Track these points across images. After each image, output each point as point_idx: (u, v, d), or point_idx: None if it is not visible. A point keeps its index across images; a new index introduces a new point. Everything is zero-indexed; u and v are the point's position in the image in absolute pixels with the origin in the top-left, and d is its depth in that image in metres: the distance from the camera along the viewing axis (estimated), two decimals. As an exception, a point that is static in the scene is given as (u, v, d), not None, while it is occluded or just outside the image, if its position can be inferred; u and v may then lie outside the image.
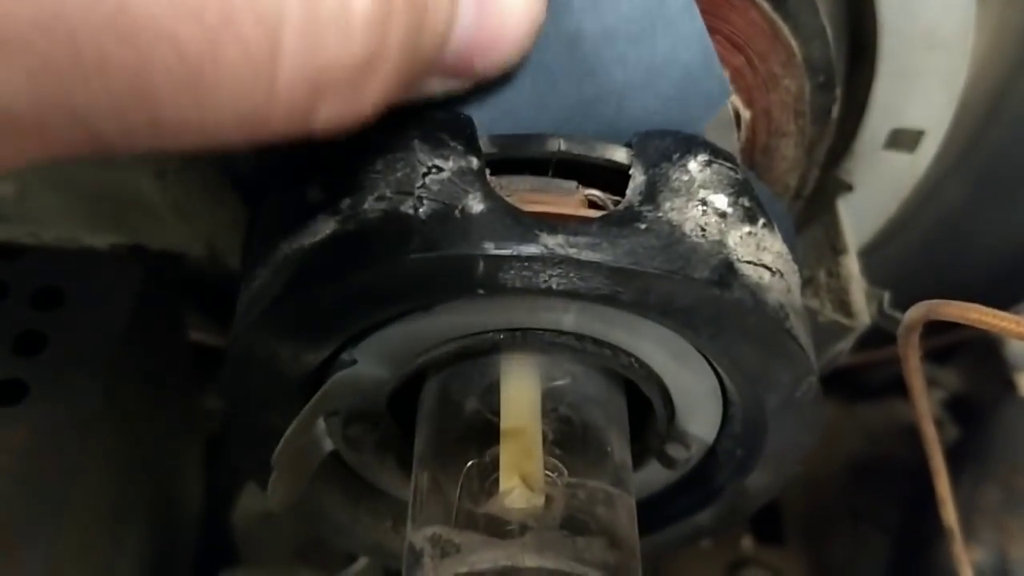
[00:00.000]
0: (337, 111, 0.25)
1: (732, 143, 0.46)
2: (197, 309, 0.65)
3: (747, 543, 0.98)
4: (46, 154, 0.22)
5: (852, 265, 0.53)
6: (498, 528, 0.33)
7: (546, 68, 0.34)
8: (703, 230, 0.33)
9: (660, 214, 0.33)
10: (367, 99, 0.26)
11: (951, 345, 0.98)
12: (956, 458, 0.73)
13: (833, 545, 0.97)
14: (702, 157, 0.35)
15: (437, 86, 0.31)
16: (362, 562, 0.52)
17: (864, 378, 1.01)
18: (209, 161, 0.48)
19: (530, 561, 0.32)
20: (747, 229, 0.34)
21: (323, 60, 0.23)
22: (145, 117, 0.22)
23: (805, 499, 0.98)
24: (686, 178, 0.34)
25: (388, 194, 0.32)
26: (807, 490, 0.97)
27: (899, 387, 0.47)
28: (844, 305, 0.52)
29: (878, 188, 0.56)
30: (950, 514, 0.51)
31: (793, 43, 0.46)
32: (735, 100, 0.46)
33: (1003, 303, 0.78)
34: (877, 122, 0.53)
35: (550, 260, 0.31)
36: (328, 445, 0.40)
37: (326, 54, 0.23)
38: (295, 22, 0.22)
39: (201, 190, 0.51)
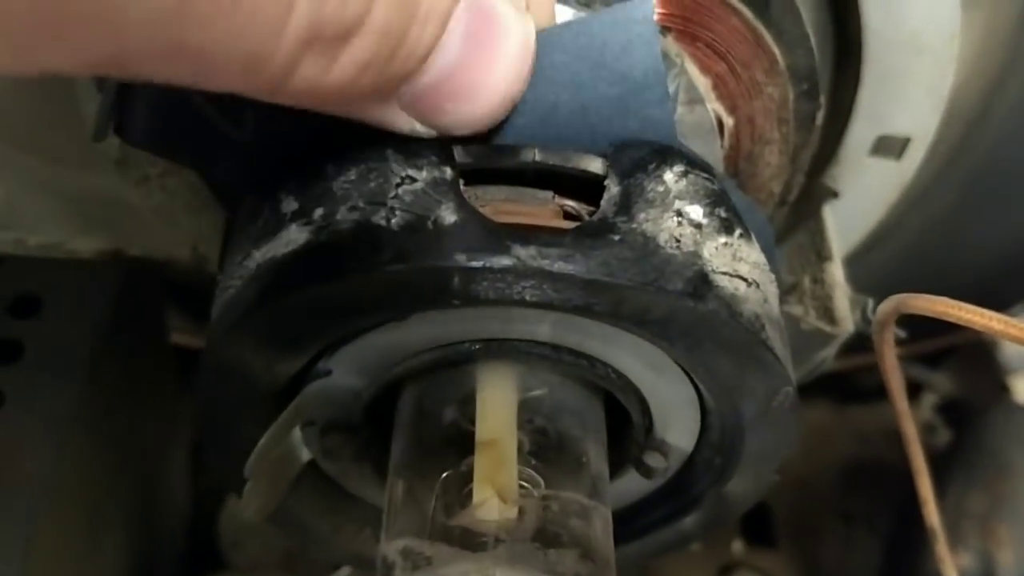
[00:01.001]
0: (312, 74, 0.26)
1: (715, 150, 0.45)
2: (182, 312, 0.65)
3: (738, 546, 0.98)
4: (68, 64, 0.22)
5: (837, 272, 0.53)
6: (470, 540, 0.33)
7: (518, 131, 0.34)
8: (678, 241, 0.33)
9: (634, 225, 0.33)
10: (338, 72, 0.26)
11: (944, 349, 0.98)
12: (945, 462, 0.73)
13: (824, 548, 0.97)
14: (678, 168, 0.35)
15: (403, 122, 0.31)
16: (345, 570, 0.52)
17: (855, 381, 1.01)
18: (191, 168, 0.48)
19: (502, 573, 0.32)
20: (723, 240, 0.34)
21: (324, 13, 0.24)
22: (173, 38, 0.22)
23: (796, 502, 0.98)
24: (661, 189, 0.34)
25: (361, 204, 0.32)
26: (798, 493, 0.97)
27: (882, 376, 0.46)
28: (828, 312, 0.52)
29: (864, 195, 0.56)
30: (932, 514, 0.51)
31: (776, 50, 0.45)
32: (718, 108, 0.46)
33: (991, 308, 0.78)
34: (862, 129, 0.53)
35: (522, 272, 0.31)
36: (305, 455, 0.40)
37: (328, 7, 0.24)
38: None
39: (184, 196, 0.51)
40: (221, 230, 0.52)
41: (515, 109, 0.34)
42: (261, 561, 0.65)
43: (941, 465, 0.64)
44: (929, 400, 1.04)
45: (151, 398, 0.56)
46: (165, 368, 0.59)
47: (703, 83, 0.45)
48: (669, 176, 0.34)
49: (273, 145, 0.37)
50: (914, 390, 1.02)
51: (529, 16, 0.31)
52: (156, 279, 0.54)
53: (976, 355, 0.97)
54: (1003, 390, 0.98)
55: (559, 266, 0.31)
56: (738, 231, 0.35)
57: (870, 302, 0.54)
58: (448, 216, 0.32)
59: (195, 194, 0.51)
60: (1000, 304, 0.76)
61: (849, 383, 1.03)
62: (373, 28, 0.26)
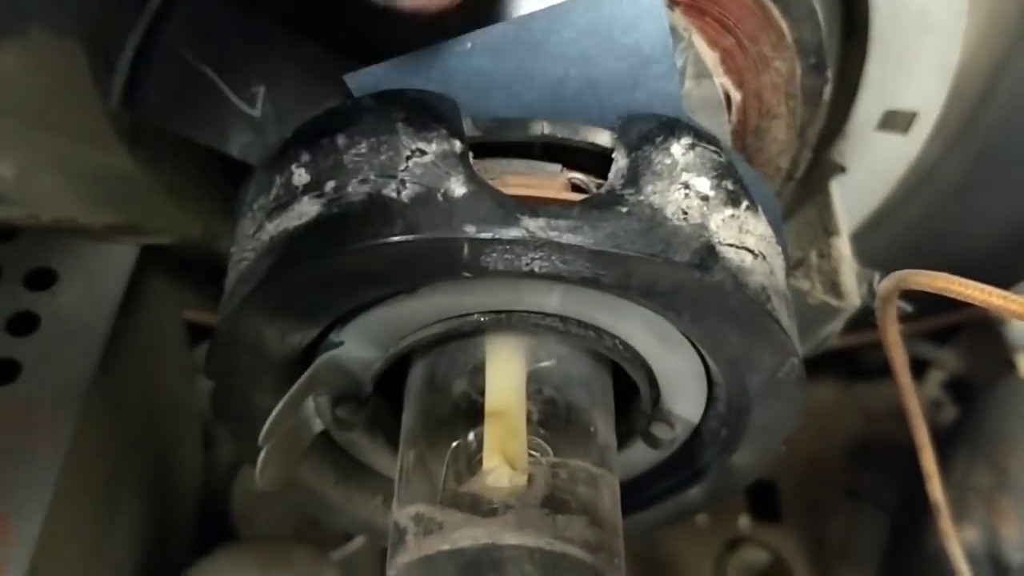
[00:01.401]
0: None
1: (723, 125, 0.46)
2: (194, 289, 0.66)
3: (744, 521, 0.98)
4: None
5: (844, 247, 0.53)
6: (481, 507, 0.33)
7: (528, 106, 0.35)
8: (685, 213, 0.33)
9: (642, 197, 0.33)
10: None
11: (951, 326, 0.98)
12: (951, 438, 0.73)
13: (830, 523, 0.98)
14: (685, 140, 0.35)
15: None
16: (358, 541, 0.52)
17: (862, 359, 1.01)
18: (204, 144, 0.49)
19: (511, 539, 0.32)
20: (730, 212, 0.34)
21: None
22: None
23: (802, 478, 0.98)
24: (669, 161, 0.34)
25: (372, 177, 0.33)
26: (804, 469, 0.98)
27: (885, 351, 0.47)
28: (834, 286, 0.52)
29: (871, 170, 0.56)
30: (936, 488, 0.52)
31: (783, 24, 0.46)
32: (725, 82, 0.46)
33: (999, 285, 0.78)
34: (869, 103, 0.53)
35: (531, 243, 0.31)
36: (318, 425, 0.40)
37: None
38: None
39: (195, 174, 0.51)
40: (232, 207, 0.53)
41: (525, 83, 0.34)
42: (273, 531, 0.66)
43: (947, 441, 0.64)
44: (936, 377, 1.05)
45: (164, 372, 0.56)
46: (178, 343, 0.60)
47: (711, 57, 0.45)
48: (676, 148, 0.35)
49: (285, 120, 0.38)
50: (921, 367, 1.03)
51: None
52: (169, 256, 0.55)
53: (983, 332, 0.97)
54: (1009, 367, 0.99)
55: (568, 237, 0.31)
56: (745, 203, 0.35)
57: (876, 276, 0.54)
58: (458, 188, 0.32)
59: (206, 172, 0.51)
60: (1008, 280, 0.76)
61: (855, 361, 1.04)
62: None
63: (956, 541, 0.49)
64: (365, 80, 0.35)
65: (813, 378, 0.36)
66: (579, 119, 0.35)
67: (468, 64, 0.35)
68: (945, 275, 0.34)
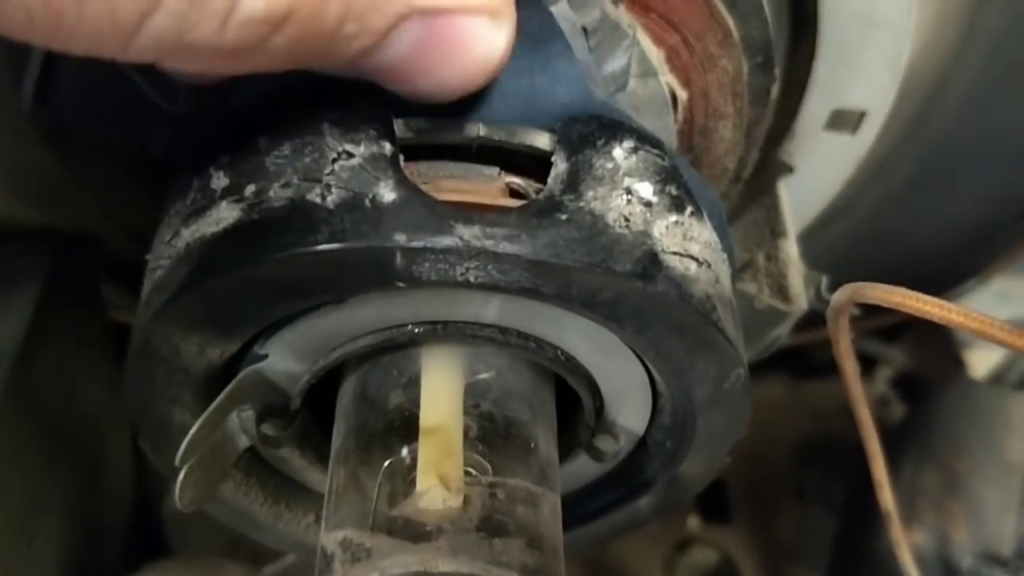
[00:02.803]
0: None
1: (668, 125, 0.44)
2: (121, 289, 0.63)
3: (693, 522, 0.98)
4: None
5: (791, 249, 0.52)
6: (413, 531, 0.32)
7: None
8: (627, 220, 0.32)
9: (582, 204, 0.31)
10: (247, 64, 0.27)
11: (900, 323, 0.99)
12: (900, 439, 0.73)
13: (779, 523, 0.97)
14: (628, 143, 0.33)
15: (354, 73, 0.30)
16: (290, 558, 0.50)
17: (809, 357, 1.01)
18: (123, 145, 0.46)
19: (444, 565, 0.30)
20: (673, 218, 0.33)
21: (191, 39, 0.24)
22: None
23: (751, 478, 0.98)
24: (610, 165, 0.33)
25: (295, 181, 0.31)
26: (753, 469, 0.97)
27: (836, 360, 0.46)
28: (782, 290, 0.51)
29: (819, 170, 0.55)
30: (887, 498, 0.51)
31: (730, 21, 0.44)
32: (671, 80, 0.45)
33: (946, 285, 0.78)
34: (818, 103, 0.52)
35: (466, 252, 0.30)
36: (243, 442, 0.38)
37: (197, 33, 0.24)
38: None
39: (118, 172, 0.49)
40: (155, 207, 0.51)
41: None
42: (206, 547, 0.63)
43: (895, 441, 0.64)
44: (883, 374, 1.05)
45: (88, 380, 0.54)
46: (102, 348, 0.57)
47: (656, 55, 0.44)
48: (618, 152, 0.33)
49: (207, 119, 0.35)
50: (868, 364, 1.03)
51: (506, 22, 0.30)
52: (91, 255, 0.52)
53: (930, 329, 0.97)
54: (957, 364, 0.99)
55: (504, 247, 0.30)
56: (689, 209, 0.34)
57: (824, 279, 0.54)
58: (387, 194, 0.30)
59: (128, 171, 0.49)
60: (954, 279, 0.76)
61: (803, 359, 1.04)
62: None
63: (906, 548, 0.48)
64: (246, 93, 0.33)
65: (761, 377, 0.35)
66: (489, 115, 0.34)
67: None
68: (901, 290, 0.33)
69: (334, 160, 0.31)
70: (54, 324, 0.46)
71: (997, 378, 0.94)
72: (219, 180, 0.32)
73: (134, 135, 0.40)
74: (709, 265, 0.34)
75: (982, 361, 0.97)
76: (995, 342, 0.27)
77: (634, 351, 0.36)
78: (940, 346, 1.01)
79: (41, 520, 0.46)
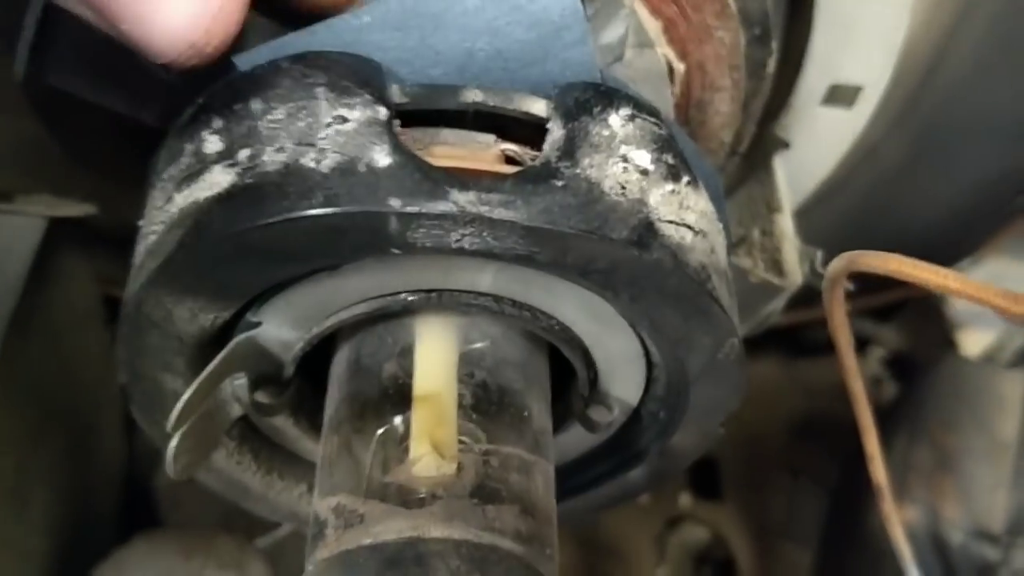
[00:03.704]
0: None
1: (665, 97, 0.44)
2: (114, 262, 0.63)
3: (685, 499, 0.98)
4: None
5: (786, 224, 0.52)
6: (406, 497, 0.32)
7: (435, 82, 0.33)
8: (623, 188, 0.31)
9: (578, 171, 0.31)
10: None
11: (893, 303, 0.99)
12: (892, 416, 0.73)
13: (771, 501, 0.98)
14: (624, 111, 0.33)
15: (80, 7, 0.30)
16: (287, 527, 0.50)
17: (803, 336, 1.01)
18: (117, 111, 0.46)
19: (436, 531, 0.30)
20: (670, 187, 0.33)
21: None
22: None
23: (743, 455, 0.98)
24: (607, 133, 0.32)
25: (289, 145, 0.30)
26: (745, 447, 0.98)
27: (830, 332, 0.46)
28: (776, 264, 0.51)
29: (815, 145, 0.55)
30: (879, 471, 0.51)
31: (728, -8, 0.44)
32: (668, 52, 0.45)
33: (940, 263, 0.78)
34: (814, 77, 0.52)
35: (461, 218, 0.29)
36: (236, 410, 0.38)
37: None
38: None
39: (109, 144, 0.48)
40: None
41: (429, 58, 0.32)
42: (199, 520, 0.63)
43: (887, 418, 0.64)
44: (876, 353, 1.05)
45: (79, 351, 0.53)
46: (95, 320, 0.57)
47: (653, 26, 0.44)
48: (615, 120, 0.33)
49: (202, 86, 0.35)
50: (861, 344, 1.03)
51: None
52: (82, 228, 0.52)
53: (924, 309, 0.98)
54: (949, 344, 1.00)
55: (499, 212, 0.29)
56: (685, 178, 0.34)
57: (819, 254, 0.54)
58: (382, 159, 0.30)
59: (121, 142, 0.48)
60: (948, 257, 0.76)
61: (797, 338, 1.04)
62: None
63: (897, 522, 0.48)
64: (256, 60, 0.33)
65: (754, 356, 0.35)
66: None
67: (367, 40, 0.33)
68: (898, 256, 0.33)
69: (328, 124, 0.31)
70: (46, 296, 0.46)
71: (988, 358, 0.94)
72: (212, 144, 0.32)
73: (129, 102, 0.40)
74: (705, 235, 0.34)
75: (974, 342, 0.97)
76: (992, 308, 0.27)
77: (628, 321, 0.36)
78: (932, 326, 1.01)
79: (32, 488, 0.46)
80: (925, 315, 1.00)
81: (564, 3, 0.32)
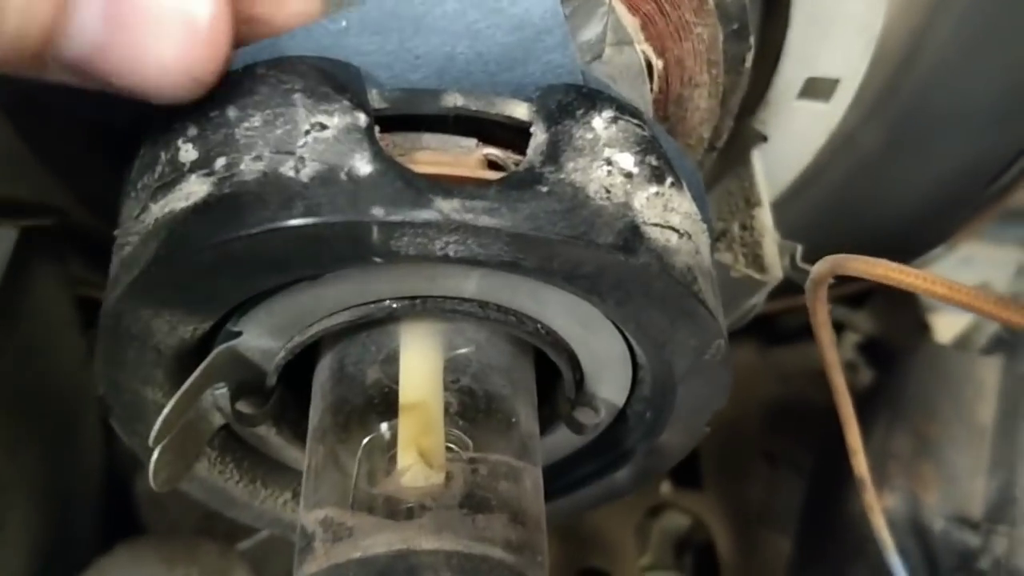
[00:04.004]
0: None
1: (644, 94, 0.44)
2: (88, 265, 0.62)
3: (665, 488, 0.99)
4: None
5: (766, 218, 0.52)
6: (395, 509, 0.31)
7: (412, 86, 0.33)
8: (608, 192, 0.31)
9: (563, 175, 0.31)
10: None
11: (866, 289, 0.99)
12: (869, 403, 0.74)
13: (750, 488, 0.98)
14: (607, 113, 0.33)
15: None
16: (265, 532, 0.50)
17: (778, 322, 1.02)
18: (87, 117, 0.45)
19: (427, 543, 0.30)
20: (654, 189, 0.33)
21: None
22: None
23: (722, 443, 0.99)
24: (590, 136, 0.32)
25: (267, 153, 0.30)
26: (723, 434, 0.98)
27: (813, 330, 0.46)
28: (757, 259, 0.51)
29: (793, 138, 0.55)
30: (861, 464, 0.52)
31: (705, -12, 0.44)
32: (647, 49, 0.44)
33: (916, 251, 0.79)
34: (791, 71, 0.52)
35: (445, 226, 0.29)
36: (217, 419, 0.38)
37: None
38: None
39: (81, 148, 0.47)
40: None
41: (409, 62, 0.32)
42: (181, 523, 0.62)
43: (864, 405, 0.64)
44: (850, 339, 1.06)
45: (56, 357, 0.53)
46: (70, 324, 0.56)
47: (631, 23, 0.43)
48: (598, 122, 0.33)
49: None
50: (835, 330, 1.04)
51: None
52: (57, 230, 0.51)
53: (896, 295, 0.98)
54: (923, 328, 1.01)
55: (484, 220, 0.29)
56: (669, 180, 0.34)
57: (799, 249, 0.54)
58: (363, 166, 0.29)
59: (92, 145, 0.47)
60: (924, 245, 0.77)
61: (772, 324, 1.04)
62: None
63: (880, 514, 0.49)
64: (233, 64, 0.32)
65: (730, 343, 0.35)
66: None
67: (345, 44, 0.32)
68: (884, 262, 0.33)
69: (307, 132, 0.30)
70: (22, 301, 0.45)
71: (962, 342, 0.95)
72: (187, 153, 0.31)
73: (100, 108, 0.39)
74: (689, 236, 0.34)
75: (948, 326, 0.98)
76: (987, 316, 0.27)
77: (614, 323, 0.35)
78: (906, 311, 1.02)
79: (11, 501, 0.46)
80: (898, 301, 1.01)
81: (544, 6, 0.32)
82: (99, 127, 0.46)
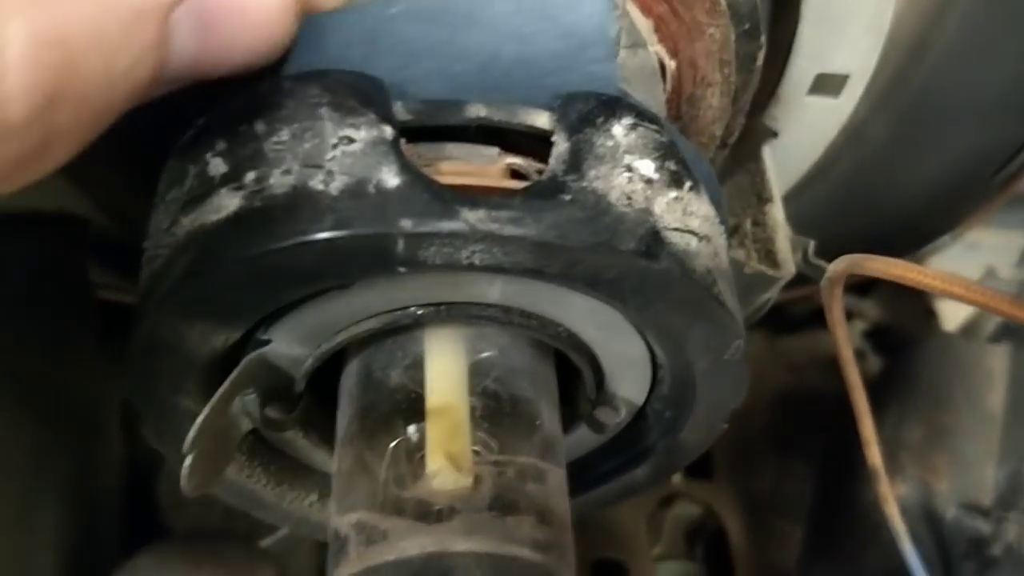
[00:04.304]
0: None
1: (657, 94, 0.44)
2: (108, 268, 0.63)
3: (677, 478, 0.99)
4: None
5: (778, 214, 0.53)
6: (426, 512, 0.32)
7: (455, 79, 0.34)
8: (629, 198, 0.32)
9: (585, 183, 0.31)
10: (53, 159, 0.27)
11: (873, 277, 1.00)
12: (879, 393, 0.74)
13: (760, 477, 0.99)
14: (627, 120, 0.33)
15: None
16: (283, 531, 0.50)
17: (786, 311, 1.02)
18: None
19: (459, 545, 0.31)
20: (673, 194, 0.33)
21: None
22: None
23: (732, 432, 0.99)
24: (611, 143, 0.33)
25: (296, 167, 0.31)
26: (733, 424, 0.98)
27: (821, 319, 0.47)
28: (770, 255, 0.52)
29: (803, 134, 0.55)
30: (875, 455, 0.52)
31: (717, -11, 0.44)
32: (660, 50, 0.45)
33: (923, 241, 0.79)
34: (802, 67, 0.52)
35: (472, 236, 0.30)
36: (246, 424, 0.38)
37: None
38: None
39: (99, 156, 0.48)
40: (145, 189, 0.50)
41: (454, 55, 0.33)
42: (202, 522, 0.63)
43: (874, 395, 0.65)
44: (858, 327, 1.07)
45: (80, 363, 0.53)
46: (91, 329, 0.56)
47: (645, 25, 0.44)
48: (618, 129, 0.33)
49: (197, 98, 0.35)
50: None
51: None
52: (78, 237, 0.51)
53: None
54: (930, 315, 1.01)
55: (510, 229, 0.30)
56: (688, 184, 0.34)
57: (811, 244, 0.54)
58: (390, 179, 0.30)
59: (110, 153, 0.48)
60: (932, 235, 0.77)
61: (780, 313, 1.05)
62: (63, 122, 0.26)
63: (894, 504, 0.49)
64: (299, 62, 0.33)
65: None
66: (507, 98, 0.34)
67: (393, 28, 0.33)
68: (901, 262, 0.33)
69: (335, 145, 0.31)
70: (45, 307, 0.46)
71: (969, 329, 0.96)
72: (217, 167, 0.32)
73: (125, 124, 0.40)
74: (709, 239, 0.34)
75: (955, 313, 0.99)
76: (1002, 315, 0.27)
77: (635, 326, 0.36)
78: (913, 299, 1.03)
79: (41, 509, 0.46)
80: (905, 288, 1.01)
81: (596, 20, 0.33)
82: (119, 136, 0.46)
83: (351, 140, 0.31)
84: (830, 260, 0.42)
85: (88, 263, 0.56)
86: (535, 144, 0.34)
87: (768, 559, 0.93)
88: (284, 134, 0.31)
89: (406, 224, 0.29)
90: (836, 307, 0.39)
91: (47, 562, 0.47)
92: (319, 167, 0.30)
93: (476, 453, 0.34)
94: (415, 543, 0.31)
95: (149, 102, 0.35)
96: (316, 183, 0.30)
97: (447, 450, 0.33)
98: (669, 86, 0.46)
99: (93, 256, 0.58)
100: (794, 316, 1.06)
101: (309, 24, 0.33)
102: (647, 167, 0.33)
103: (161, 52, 0.28)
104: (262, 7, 0.30)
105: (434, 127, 0.33)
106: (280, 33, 0.30)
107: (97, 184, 0.51)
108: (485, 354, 0.36)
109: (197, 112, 0.34)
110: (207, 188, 0.32)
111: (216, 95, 0.33)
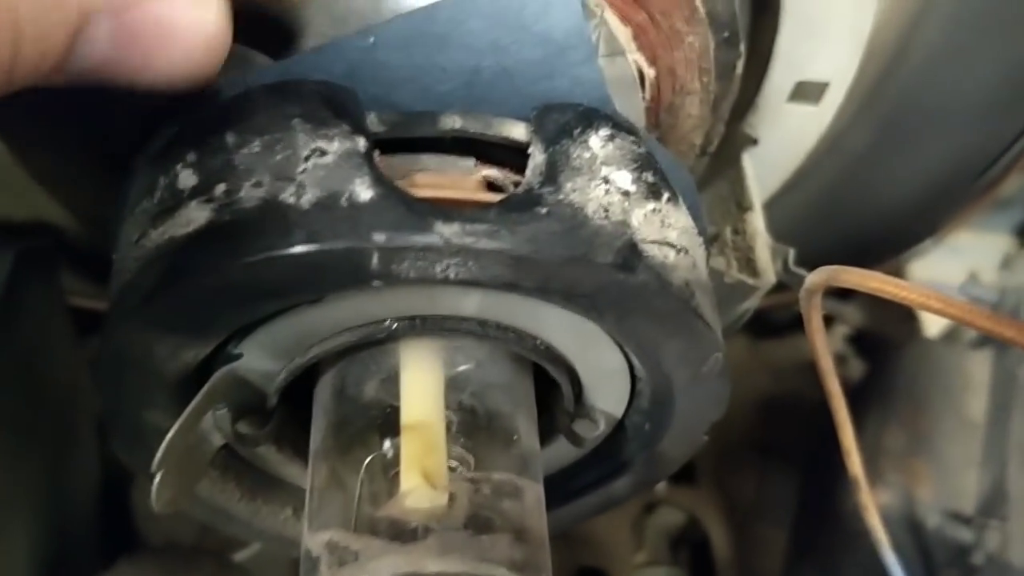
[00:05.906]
0: None
1: (636, 103, 0.44)
2: (81, 276, 0.62)
3: (660, 484, 0.99)
4: None
5: (758, 222, 0.53)
6: (399, 531, 0.31)
7: (442, 98, 0.33)
8: (606, 211, 0.31)
9: (561, 196, 0.31)
10: None
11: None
12: (861, 399, 0.74)
13: (744, 482, 0.99)
14: (604, 131, 0.33)
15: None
16: (255, 546, 0.50)
17: (767, 317, 1.02)
18: (75, 138, 0.45)
19: (433, 566, 0.30)
20: (651, 206, 0.33)
21: None
22: None
23: (714, 438, 0.99)
24: (587, 155, 0.32)
25: (266, 180, 0.30)
26: (716, 430, 0.98)
27: (803, 324, 0.46)
28: (750, 263, 0.52)
29: (783, 141, 0.55)
30: (855, 465, 0.52)
31: (696, -3, 0.44)
32: (638, 59, 0.44)
33: (904, 246, 0.79)
34: (781, 75, 0.52)
35: (446, 250, 0.29)
36: (217, 440, 0.37)
37: None
38: None
39: (72, 164, 0.47)
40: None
41: (436, 76, 0.32)
42: (178, 533, 0.62)
43: (855, 400, 0.65)
44: (840, 332, 1.07)
45: (53, 370, 0.53)
46: (64, 339, 0.56)
47: (623, 33, 0.43)
48: (595, 141, 0.33)
49: (169, 112, 0.34)
50: (825, 322, 1.04)
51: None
52: (50, 246, 0.51)
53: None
54: (912, 320, 1.01)
55: (485, 243, 0.29)
56: (666, 195, 0.34)
57: (791, 252, 0.54)
58: (363, 192, 0.29)
59: (83, 163, 0.47)
60: (912, 240, 0.77)
61: (762, 319, 1.05)
62: None
63: (875, 513, 0.49)
64: (261, 80, 0.32)
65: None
66: (496, 111, 0.33)
67: (373, 58, 0.33)
68: (879, 275, 0.33)
69: (307, 158, 0.30)
70: (18, 319, 0.45)
71: (951, 335, 0.96)
72: (186, 179, 0.31)
73: (89, 129, 0.39)
74: (687, 251, 0.34)
75: (937, 318, 0.99)
76: (980, 330, 0.27)
77: (613, 338, 0.36)
78: (895, 304, 1.03)
79: (13, 523, 0.46)
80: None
81: (567, 24, 0.32)
82: (93, 144, 0.46)
83: (323, 152, 0.30)
84: (811, 267, 0.42)
85: (62, 271, 0.55)
86: (512, 155, 0.33)
87: (752, 565, 0.93)
88: (255, 146, 0.31)
89: (379, 238, 0.29)
90: (815, 318, 0.39)
91: (19, 567, 0.46)
92: (290, 180, 0.30)
93: (452, 470, 0.33)
94: (388, 563, 0.31)
95: (127, 108, 0.35)
96: (287, 196, 0.29)
97: (422, 466, 0.32)
98: (648, 95, 0.46)
99: (67, 264, 0.57)
100: (776, 321, 1.06)
101: (289, 63, 0.33)
102: (624, 179, 0.32)
103: (72, 39, 0.28)
104: (191, 31, 0.30)
105: (410, 139, 0.33)
106: (206, 60, 0.30)
107: (70, 192, 0.50)
108: (462, 368, 0.36)
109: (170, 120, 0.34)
110: (176, 200, 0.31)
111: (189, 104, 0.33)
